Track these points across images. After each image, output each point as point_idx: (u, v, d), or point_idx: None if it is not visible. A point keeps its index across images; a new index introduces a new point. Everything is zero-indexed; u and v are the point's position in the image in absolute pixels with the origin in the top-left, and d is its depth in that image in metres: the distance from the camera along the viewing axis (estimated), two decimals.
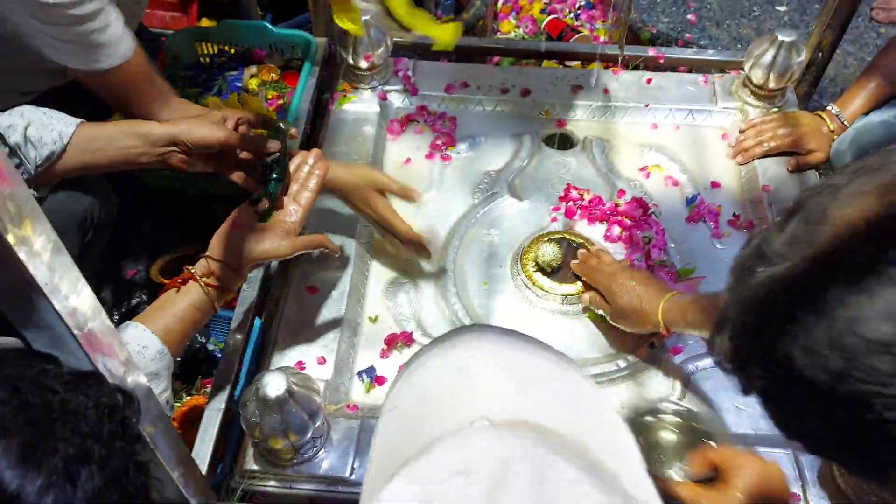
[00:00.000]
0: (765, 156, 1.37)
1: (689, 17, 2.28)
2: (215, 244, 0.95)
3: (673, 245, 1.28)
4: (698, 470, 0.86)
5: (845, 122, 1.37)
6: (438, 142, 1.44)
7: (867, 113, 1.37)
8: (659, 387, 1.12)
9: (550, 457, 0.38)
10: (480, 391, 0.45)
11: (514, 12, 2.29)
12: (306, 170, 1.04)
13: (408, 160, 1.43)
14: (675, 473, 0.88)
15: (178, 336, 0.89)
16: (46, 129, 0.91)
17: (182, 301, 0.90)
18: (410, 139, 1.46)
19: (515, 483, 0.36)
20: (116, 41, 1.03)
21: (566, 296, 1.20)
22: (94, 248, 1.24)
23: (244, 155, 1.04)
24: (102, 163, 0.97)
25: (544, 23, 2.10)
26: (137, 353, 0.83)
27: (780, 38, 1.37)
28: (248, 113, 1.07)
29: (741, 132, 1.41)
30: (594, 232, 1.30)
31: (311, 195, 1.03)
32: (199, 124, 0.98)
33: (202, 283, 0.92)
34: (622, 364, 1.14)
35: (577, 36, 1.96)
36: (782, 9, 2.33)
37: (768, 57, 1.39)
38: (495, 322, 1.21)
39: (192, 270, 0.93)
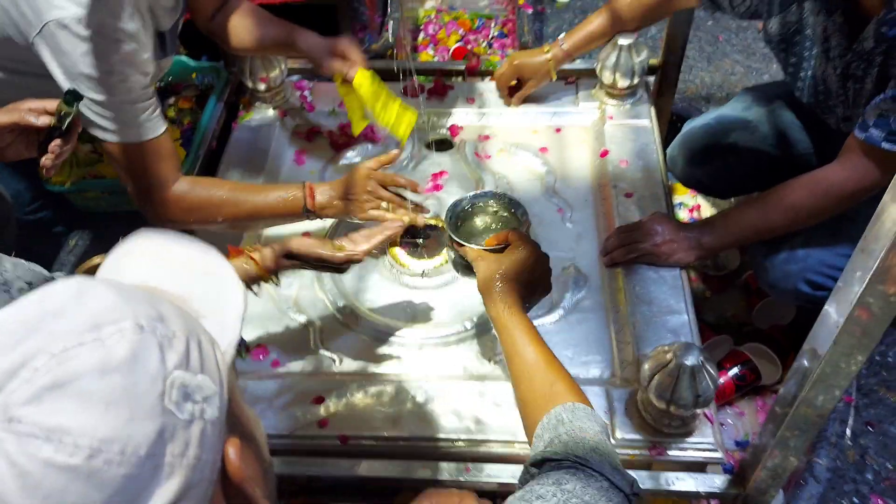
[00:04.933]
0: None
1: None
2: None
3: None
4: (490, 241, 1.07)
5: (564, 47, 1.58)
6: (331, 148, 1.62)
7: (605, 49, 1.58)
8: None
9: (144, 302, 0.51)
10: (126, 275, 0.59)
11: (432, 44, 2.51)
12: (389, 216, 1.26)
13: (300, 161, 1.61)
14: (475, 244, 1.08)
15: None
16: None
17: None
18: (307, 146, 1.64)
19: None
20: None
21: (424, 271, 1.35)
22: None
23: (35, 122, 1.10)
24: None
25: (451, 50, 2.32)
26: None
27: (620, 41, 1.55)
28: (36, 101, 1.12)
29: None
30: None
31: (378, 241, 1.17)
32: None
33: (247, 255, 1.10)
34: (468, 326, 1.29)
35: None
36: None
37: (612, 59, 1.57)
38: (366, 298, 1.35)
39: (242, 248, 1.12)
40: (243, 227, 1.40)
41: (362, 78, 1.40)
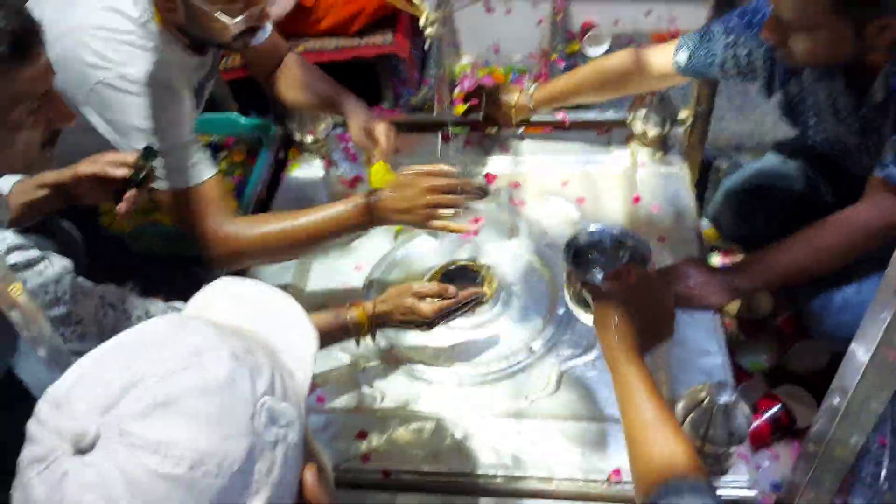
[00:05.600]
0: None
1: None
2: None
3: None
4: (611, 277, 1.04)
5: (531, 94, 1.64)
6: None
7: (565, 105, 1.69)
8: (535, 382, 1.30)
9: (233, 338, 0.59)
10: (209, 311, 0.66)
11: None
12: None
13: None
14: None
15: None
16: None
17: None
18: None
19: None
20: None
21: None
22: None
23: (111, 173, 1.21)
24: (35, 207, 1.24)
25: None
26: None
27: (650, 94, 1.62)
28: (113, 153, 1.24)
29: None
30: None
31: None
32: (72, 167, 1.22)
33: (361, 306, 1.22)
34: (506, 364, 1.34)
35: None
36: None
37: (643, 110, 1.63)
38: (407, 336, 1.41)
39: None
40: (306, 250, 1.42)
41: (377, 171, 1.49)
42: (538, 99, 1.65)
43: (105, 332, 1.08)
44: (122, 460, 0.50)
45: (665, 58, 1.48)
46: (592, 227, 1.25)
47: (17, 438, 0.54)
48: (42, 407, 0.54)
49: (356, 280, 1.53)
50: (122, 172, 1.19)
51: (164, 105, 1.28)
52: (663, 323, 1.01)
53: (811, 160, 1.60)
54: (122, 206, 1.19)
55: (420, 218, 1.27)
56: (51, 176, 1.24)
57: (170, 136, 1.29)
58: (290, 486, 0.57)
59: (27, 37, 0.89)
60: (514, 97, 1.68)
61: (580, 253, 1.18)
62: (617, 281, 1.02)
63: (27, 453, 0.52)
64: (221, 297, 0.69)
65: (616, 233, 1.23)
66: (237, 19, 1.27)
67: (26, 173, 1.19)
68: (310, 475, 0.59)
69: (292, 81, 1.64)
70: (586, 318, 1.08)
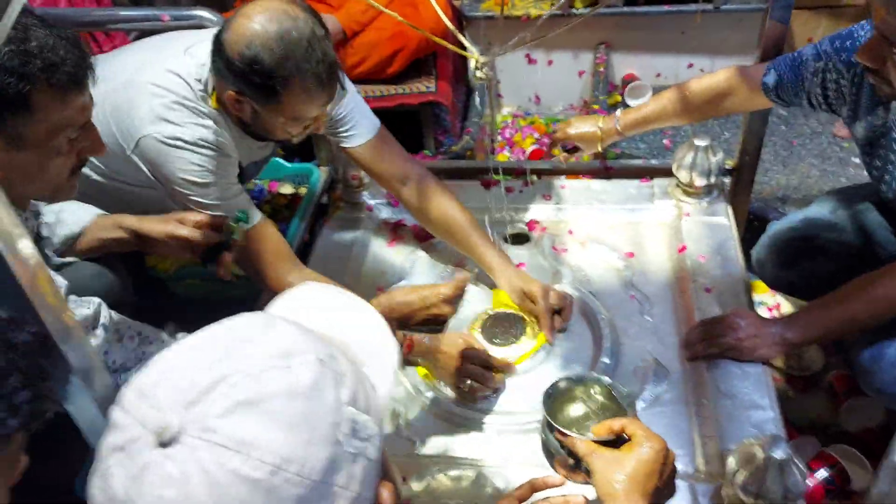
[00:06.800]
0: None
1: (664, 141, 2.55)
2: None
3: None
4: (599, 431, 0.95)
5: (618, 126, 1.62)
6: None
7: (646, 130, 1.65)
8: None
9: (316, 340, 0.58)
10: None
11: (508, 146, 2.64)
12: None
13: (392, 242, 1.72)
14: (583, 434, 0.98)
15: None
16: (73, 215, 1.23)
17: None
18: (394, 237, 1.74)
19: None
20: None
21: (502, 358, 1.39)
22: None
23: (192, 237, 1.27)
24: (106, 244, 1.29)
25: (528, 152, 2.43)
26: None
27: (697, 143, 1.61)
28: (201, 215, 1.30)
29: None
30: None
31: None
32: (158, 221, 1.28)
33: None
34: None
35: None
36: None
37: (688, 159, 1.62)
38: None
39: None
40: None
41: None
42: (626, 123, 1.63)
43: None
44: (204, 458, 0.48)
45: (755, 78, 1.46)
46: (573, 373, 1.17)
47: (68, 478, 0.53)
48: (126, 394, 0.53)
49: None
50: (209, 238, 1.26)
51: (210, 163, 1.33)
52: (668, 484, 0.92)
53: (870, 209, 1.55)
54: (220, 272, 1.27)
55: (446, 380, 1.35)
56: (131, 221, 1.30)
57: (218, 188, 1.35)
58: (366, 501, 0.55)
59: (83, 69, 0.95)
60: (596, 125, 1.65)
61: (559, 400, 1.10)
62: (607, 436, 0.94)
63: (109, 440, 0.51)
64: (308, 301, 0.68)
65: (595, 379, 1.12)
66: (299, 135, 1.35)
67: (52, 200, 1.23)
68: (386, 494, 0.57)
69: (438, 215, 1.56)
70: (558, 472, 1.00)
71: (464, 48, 1.08)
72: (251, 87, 1.23)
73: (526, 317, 1.44)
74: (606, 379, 1.12)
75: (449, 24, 1.26)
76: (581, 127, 1.69)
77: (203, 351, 0.55)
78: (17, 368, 0.55)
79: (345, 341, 0.63)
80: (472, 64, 1.11)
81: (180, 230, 1.26)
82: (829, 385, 1.76)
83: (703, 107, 1.55)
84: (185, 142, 1.31)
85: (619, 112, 1.66)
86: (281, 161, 2.05)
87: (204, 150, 1.32)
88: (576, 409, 1.11)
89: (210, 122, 1.34)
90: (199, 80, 1.33)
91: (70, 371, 0.74)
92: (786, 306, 1.97)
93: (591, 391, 1.11)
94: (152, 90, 1.32)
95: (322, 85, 1.24)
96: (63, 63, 0.90)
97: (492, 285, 1.53)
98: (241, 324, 0.58)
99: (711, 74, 1.55)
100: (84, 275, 1.33)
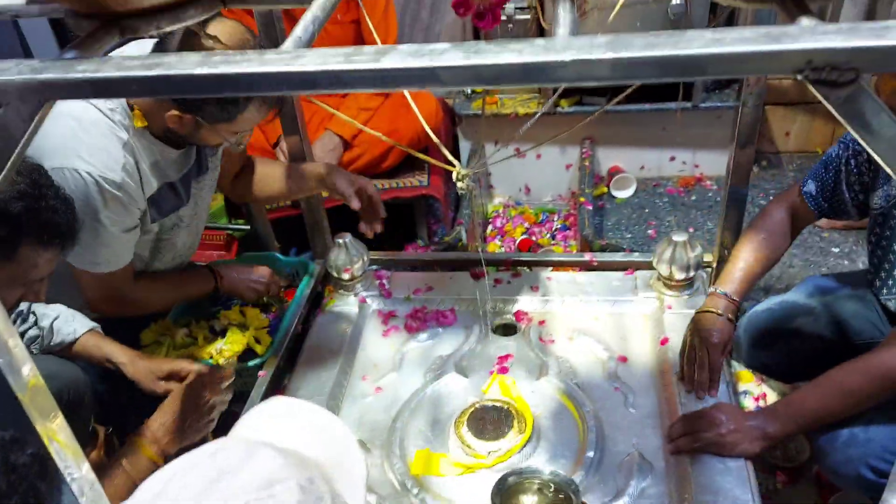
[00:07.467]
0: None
1: (649, 232, 2.63)
2: None
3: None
4: None
5: (734, 297, 1.56)
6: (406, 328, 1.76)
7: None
8: None
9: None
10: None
11: (499, 236, 2.71)
12: None
13: (385, 333, 1.76)
14: None
15: None
16: (68, 324, 1.29)
17: None
18: (385, 329, 1.78)
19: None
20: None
21: (490, 452, 1.40)
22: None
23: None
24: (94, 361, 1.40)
25: (517, 241, 2.50)
26: None
27: (675, 238, 1.68)
28: (193, 366, 1.43)
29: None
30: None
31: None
32: (143, 376, 1.37)
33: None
34: None
35: (541, 250, 2.32)
36: None
37: (668, 254, 1.68)
38: (432, 479, 1.40)
39: None
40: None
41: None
42: (740, 290, 1.56)
43: None
44: None
45: (797, 195, 1.56)
46: (522, 467, 1.25)
47: None
48: None
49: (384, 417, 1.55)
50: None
51: (106, 203, 1.37)
52: None
53: (848, 298, 1.60)
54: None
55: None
56: (121, 359, 1.43)
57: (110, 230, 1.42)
58: None
59: (73, 229, 1.09)
60: (718, 315, 1.54)
61: (509, 493, 1.17)
62: None
63: None
64: (275, 417, 0.72)
65: (544, 473, 1.21)
66: (234, 144, 1.42)
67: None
68: None
69: (263, 176, 1.80)
70: None
71: (448, 162, 1.16)
72: (206, 107, 1.26)
73: (513, 410, 1.47)
74: (556, 471, 1.19)
75: (433, 135, 1.34)
76: (710, 326, 1.51)
77: (186, 487, 0.58)
78: (16, 492, 0.58)
79: (317, 458, 0.67)
80: (454, 175, 1.19)
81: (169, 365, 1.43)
82: (816, 476, 1.76)
83: (783, 245, 1.61)
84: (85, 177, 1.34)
85: (711, 288, 1.60)
86: (277, 255, 2.11)
87: (101, 190, 1.36)
88: (527, 501, 1.17)
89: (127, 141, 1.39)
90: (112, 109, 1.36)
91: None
92: (772, 396, 2.00)
93: (538, 483, 1.17)
94: (65, 123, 1.34)
95: (273, 101, 1.34)
96: (58, 227, 1.03)
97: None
98: (225, 454, 0.61)
99: (763, 216, 1.61)
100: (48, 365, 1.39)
